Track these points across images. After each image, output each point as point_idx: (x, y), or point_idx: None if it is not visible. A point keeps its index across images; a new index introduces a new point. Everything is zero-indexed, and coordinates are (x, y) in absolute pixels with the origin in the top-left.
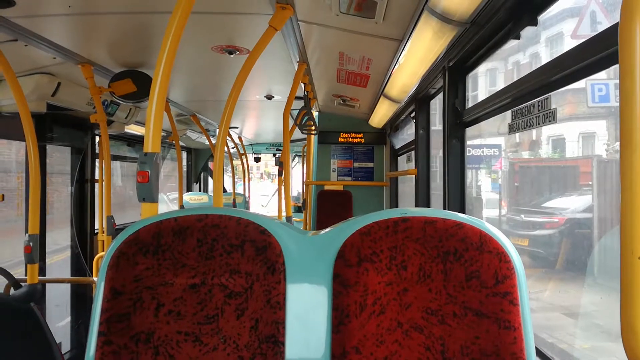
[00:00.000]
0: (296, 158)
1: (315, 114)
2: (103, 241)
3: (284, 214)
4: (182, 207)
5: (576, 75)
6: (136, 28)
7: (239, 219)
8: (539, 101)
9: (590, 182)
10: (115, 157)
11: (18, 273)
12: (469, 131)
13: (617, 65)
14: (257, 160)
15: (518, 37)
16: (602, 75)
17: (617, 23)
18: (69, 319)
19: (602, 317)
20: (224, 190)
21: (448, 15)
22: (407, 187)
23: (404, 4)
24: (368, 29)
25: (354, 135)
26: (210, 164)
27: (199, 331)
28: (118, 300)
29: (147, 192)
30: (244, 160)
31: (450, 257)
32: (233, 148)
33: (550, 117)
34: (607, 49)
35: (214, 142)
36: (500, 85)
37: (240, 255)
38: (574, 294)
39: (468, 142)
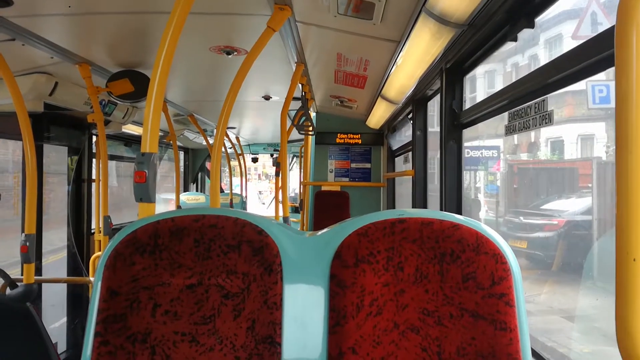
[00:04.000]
0: (294, 159)
1: (312, 114)
2: (100, 241)
3: (280, 214)
4: (179, 207)
5: (573, 78)
6: (134, 28)
7: (236, 220)
8: (535, 103)
9: (589, 185)
10: (112, 157)
11: (14, 273)
12: (467, 132)
13: (613, 68)
14: (255, 160)
15: (515, 40)
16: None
17: (614, 25)
18: (65, 319)
19: (601, 320)
20: (221, 191)
21: (445, 17)
22: (404, 188)
23: (401, 6)
24: (366, 30)
25: (351, 136)
26: (208, 164)
27: (195, 331)
28: (115, 301)
29: (144, 192)
30: (242, 161)
31: (447, 258)
32: (230, 148)
33: (546, 119)
34: (603, 51)
35: (211, 142)
36: (499, 87)
37: (237, 255)
38: (573, 297)
39: (466, 144)
